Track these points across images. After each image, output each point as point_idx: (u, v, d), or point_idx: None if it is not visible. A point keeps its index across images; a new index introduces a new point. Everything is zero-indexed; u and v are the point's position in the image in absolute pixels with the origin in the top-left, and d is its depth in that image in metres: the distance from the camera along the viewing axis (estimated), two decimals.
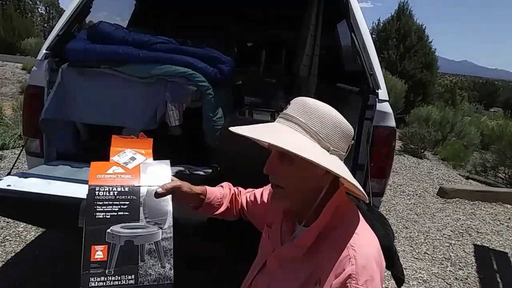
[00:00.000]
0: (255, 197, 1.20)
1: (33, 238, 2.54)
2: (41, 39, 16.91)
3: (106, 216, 0.96)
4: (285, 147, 0.81)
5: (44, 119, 1.90)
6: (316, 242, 0.89)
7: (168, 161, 1.11)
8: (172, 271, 0.95)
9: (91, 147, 2.06)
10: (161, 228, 0.98)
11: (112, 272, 0.92)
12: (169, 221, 0.99)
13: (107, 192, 0.99)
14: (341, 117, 0.90)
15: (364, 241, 0.86)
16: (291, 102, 0.91)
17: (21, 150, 2.03)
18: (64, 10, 2.18)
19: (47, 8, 41.52)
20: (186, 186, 1.09)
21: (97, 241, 0.93)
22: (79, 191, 1.55)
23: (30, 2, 36.72)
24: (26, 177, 1.70)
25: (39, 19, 39.55)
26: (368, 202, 1.01)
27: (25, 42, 16.99)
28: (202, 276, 2.17)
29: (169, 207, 1.02)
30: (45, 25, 38.65)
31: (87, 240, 0.93)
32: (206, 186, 1.17)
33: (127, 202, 0.99)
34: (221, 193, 1.19)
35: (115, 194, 1.00)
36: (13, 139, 4.53)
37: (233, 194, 1.22)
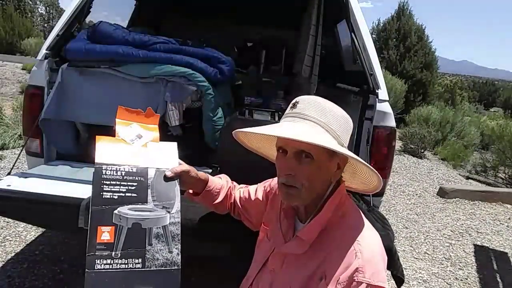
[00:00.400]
0: (249, 194, 1.19)
1: (33, 238, 2.54)
2: (41, 39, 16.88)
3: (114, 197, 0.93)
4: (328, 146, 0.82)
5: (44, 119, 1.90)
6: (319, 238, 0.90)
7: (175, 143, 1.09)
8: (179, 257, 0.93)
9: (91, 147, 2.06)
10: (169, 212, 0.96)
11: (119, 255, 0.89)
12: (177, 206, 0.98)
13: (114, 172, 0.96)
14: (346, 114, 0.93)
15: (368, 235, 0.88)
16: (299, 101, 0.91)
17: (21, 150, 2.03)
18: (64, 10, 2.18)
19: (47, 8, 41.51)
20: (193, 171, 1.09)
21: (104, 222, 0.90)
22: (79, 191, 1.55)
23: (30, 2, 36.71)
24: (26, 177, 1.70)
25: (39, 19, 39.54)
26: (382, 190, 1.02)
27: (25, 42, 16.97)
28: (202, 276, 2.17)
29: (177, 191, 1.00)
30: (45, 25, 38.63)
31: (93, 220, 0.90)
32: (208, 175, 1.17)
33: (135, 184, 0.96)
34: (220, 183, 1.19)
35: (123, 174, 0.96)
36: (13, 139, 4.53)
37: (229, 187, 1.23)
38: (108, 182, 0.94)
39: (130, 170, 0.97)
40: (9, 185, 1.57)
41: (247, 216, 1.21)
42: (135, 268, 0.89)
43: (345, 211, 0.93)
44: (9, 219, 2.61)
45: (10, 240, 2.49)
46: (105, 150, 0.99)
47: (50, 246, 2.46)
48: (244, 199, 1.20)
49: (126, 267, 0.89)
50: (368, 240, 0.87)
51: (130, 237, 0.91)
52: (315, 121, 0.87)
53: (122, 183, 0.95)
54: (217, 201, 1.17)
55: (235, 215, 1.24)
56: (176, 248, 0.94)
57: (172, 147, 1.08)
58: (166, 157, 1.04)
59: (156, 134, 1.08)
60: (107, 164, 0.96)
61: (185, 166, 1.06)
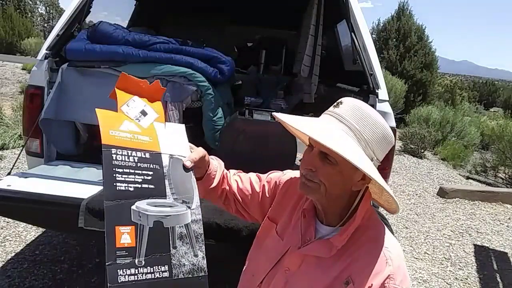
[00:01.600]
0: (251, 186, 1.11)
1: (33, 238, 2.54)
2: (41, 39, 16.93)
3: (129, 188, 0.75)
4: (347, 157, 0.78)
5: (44, 119, 1.90)
6: (346, 242, 0.90)
7: (183, 125, 0.94)
8: (205, 261, 0.79)
9: (91, 147, 2.06)
10: (189, 207, 0.81)
11: (143, 262, 0.72)
12: (196, 200, 0.84)
13: (126, 157, 0.78)
14: (389, 128, 0.88)
15: (394, 242, 0.91)
16: (343, 102, 0.88)
17: (21, 150, 2.04)
18: (64, 10, 2.18)
19: (47, 8, 41.56)
20: (206, 155, 0.98)
21: (122, 221, 0.72)
22: (79, 191, 1.56)
23: (30, 2, 36.76)
24: (26, 177, 1.71)
25: (39, 19, 39.58)
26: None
27: (25, 42, 17.02)
28: None
29: (194, 182, 0.86)
30: (45, 25, 38.69)
31: (109, 219, 0.72)
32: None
33: (150, 172, 0.79)
34: (216, 165, 1.07)
35: (136, 160, 0.79)
36: (13, 139, 4.53)
37: (223, 171, 1.11)
38: (121, 170, 0.76)
39: (143, 156, 0.80)
40: (9, 185, 1.58)
41: (245, 209, 1.13)
42: (162, 277, 0.73)
43: (369, 217, 0.93)
44: (9, 219, 2.62)
45: (10, 240, 2.49)
46: (110, 127, 0.81)
47: (50, 246, 2.46)
48: (245, 190, 1.11)
49: (153, 276, 0.72)
50: (395, 247, 0.89)
51: (153, 239, 0.74)
52: (350, 126, 0.85)
53: (136, 171, 0.77)
54: (212, 186, 1.04)
55: (224, 204, 1.13)
56: (200, 251, 0.79)
57: (180, 130, 0.92)
58: (177, 141, 0.88)
59: (161, 112, 0.91)
60: (117, 147, 0.78)
61: (201, 151, 0.95)
